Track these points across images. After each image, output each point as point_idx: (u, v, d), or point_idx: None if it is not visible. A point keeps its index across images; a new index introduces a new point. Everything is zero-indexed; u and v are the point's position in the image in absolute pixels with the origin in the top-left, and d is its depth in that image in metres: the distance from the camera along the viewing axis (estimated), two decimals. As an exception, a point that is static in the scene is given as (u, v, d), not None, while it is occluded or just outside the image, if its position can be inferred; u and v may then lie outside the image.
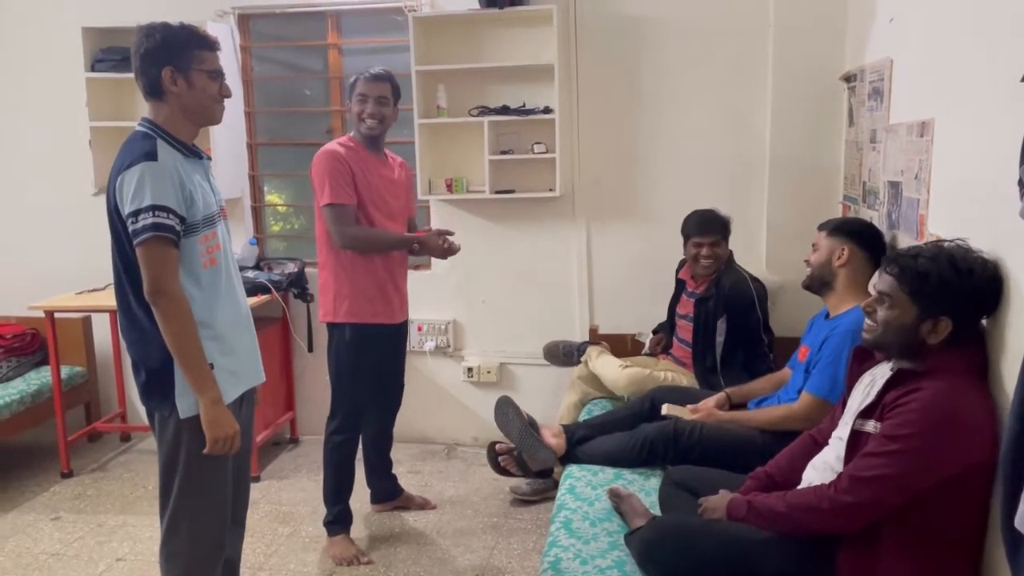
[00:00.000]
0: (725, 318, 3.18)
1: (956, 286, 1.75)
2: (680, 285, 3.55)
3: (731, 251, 3.37)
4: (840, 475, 1.83)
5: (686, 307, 3.41)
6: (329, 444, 3.13)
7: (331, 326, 3.07)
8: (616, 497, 2.49)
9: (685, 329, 3.40)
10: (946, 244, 1.84)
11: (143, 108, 2.13)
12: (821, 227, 2.69)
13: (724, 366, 3.19)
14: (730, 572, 1.98)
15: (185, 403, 2.06)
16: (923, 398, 1.74)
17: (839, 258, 2.57)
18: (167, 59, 2.05)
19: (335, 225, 2.94)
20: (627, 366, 3.39)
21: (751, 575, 1.96)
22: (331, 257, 3.03)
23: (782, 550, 1.92)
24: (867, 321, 1.94)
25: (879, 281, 1.92)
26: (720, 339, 3.19)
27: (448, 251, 3.14)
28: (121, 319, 2.14)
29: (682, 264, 3.53)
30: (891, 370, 1.91)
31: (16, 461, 4.08)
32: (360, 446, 3.30)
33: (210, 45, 2.12)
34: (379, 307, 3.06)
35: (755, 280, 3.27)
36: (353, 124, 3.07)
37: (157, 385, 2.09)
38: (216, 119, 2.19)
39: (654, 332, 3.72)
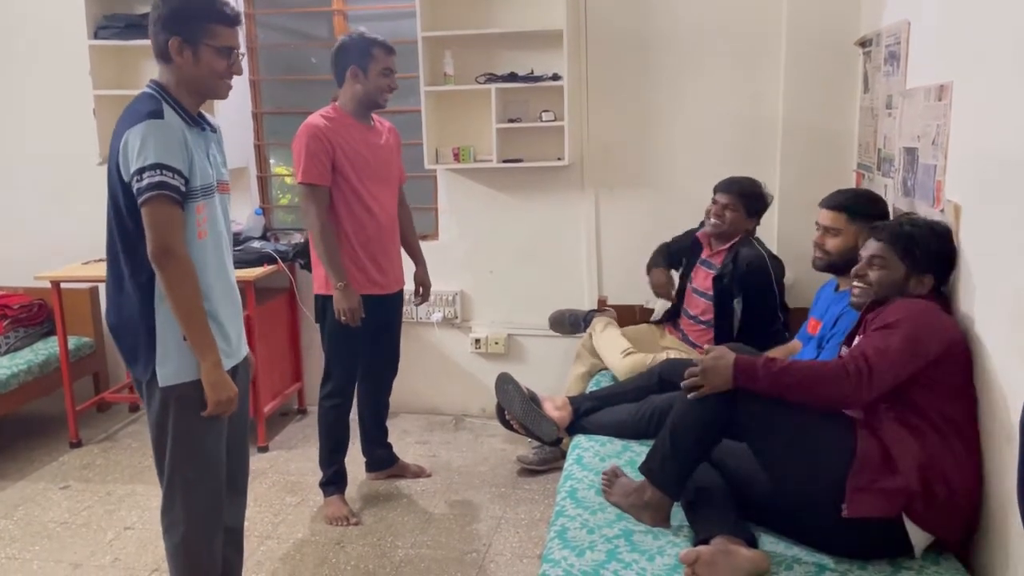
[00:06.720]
0: (742, 297, 3.13)
1: (938, 246, 2.07)
2: (696, 248, 3.41)
3: (753, 228, 3.26)
4: (840, 357, 2.02)
5: (702, 280, 3.31)
6: (322, 408, 3.22)
7: (324, 297, 3.09)
8: (607, 484, 2.39)
9: (697, 305, 3.31)
10: (913, 216, 2.17)
11: (147, 75, 2.10)
12: (833, 207, 2.57)
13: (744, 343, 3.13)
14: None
15: (165, 371, 2.05)
16: (900, 301, 2.04)
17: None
18: (176, 28, 2.00)
19: (304, 203, 3.00)
20: (630, 352, 3.28)
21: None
22: None
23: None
24: (858, 285, 2.14)
25: (867, 247, 2.15)
26: (737, 318, 3.14)
27: (351, 314, 2.98)
28: (109, 285, 2.12)
29: (702, 224, 3.40)
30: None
31: (25, 431, 4.10)
32: (356, 415, 3.38)
33: (228, 20, 2.05)
34: (371, 278, 3.10)
35: (773, 258, 3.19)
36: (361, 93, 3.04)
37: (139, 353, 2.07)
38: (220, 95, 2.14)
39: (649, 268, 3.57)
